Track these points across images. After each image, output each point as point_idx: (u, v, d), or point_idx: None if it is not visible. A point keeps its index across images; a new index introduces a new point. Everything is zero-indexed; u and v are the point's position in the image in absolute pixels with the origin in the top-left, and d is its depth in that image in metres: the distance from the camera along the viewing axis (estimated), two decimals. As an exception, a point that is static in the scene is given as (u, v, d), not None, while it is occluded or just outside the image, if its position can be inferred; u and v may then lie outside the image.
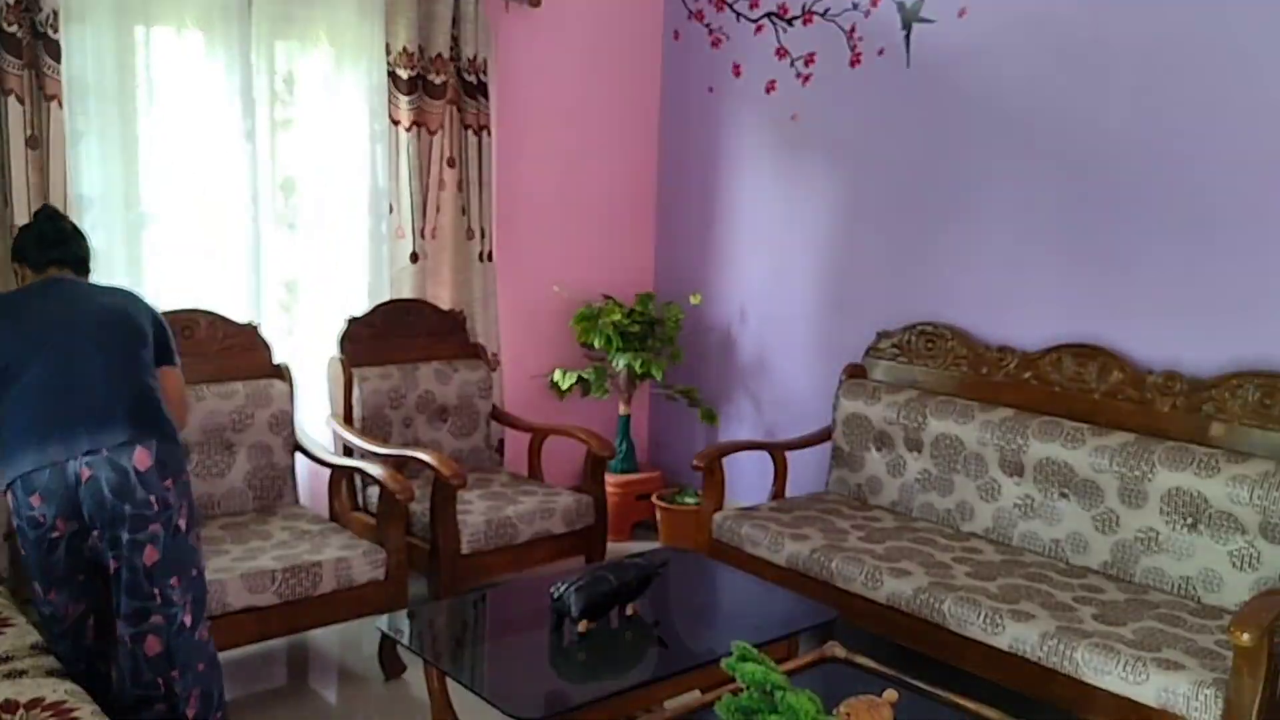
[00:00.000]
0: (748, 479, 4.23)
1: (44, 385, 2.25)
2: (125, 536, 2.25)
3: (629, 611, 2.63)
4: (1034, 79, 3.43)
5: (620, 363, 4.31)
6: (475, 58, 3.91)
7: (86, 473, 2.21)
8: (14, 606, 2.50)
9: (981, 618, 2.77)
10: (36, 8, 2.97)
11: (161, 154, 3.35)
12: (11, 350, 2.28)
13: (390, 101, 3.78)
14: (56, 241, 2.44)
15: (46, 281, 2.40)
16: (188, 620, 2.35)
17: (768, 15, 4.25)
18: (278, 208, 3.62)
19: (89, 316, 2.35)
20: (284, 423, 3.38)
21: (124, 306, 2.43)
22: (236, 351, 3.39)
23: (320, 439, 3.62)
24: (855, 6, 3.91)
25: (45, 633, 2.34)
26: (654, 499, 4.42)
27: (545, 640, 2.56)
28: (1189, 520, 2.90)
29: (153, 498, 2.27)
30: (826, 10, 4.02)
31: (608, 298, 4.47)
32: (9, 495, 2.27)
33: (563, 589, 2.51)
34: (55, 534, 2.26)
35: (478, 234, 4.05)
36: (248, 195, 3.53)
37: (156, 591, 2.29)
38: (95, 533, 2.26)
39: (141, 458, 2.26)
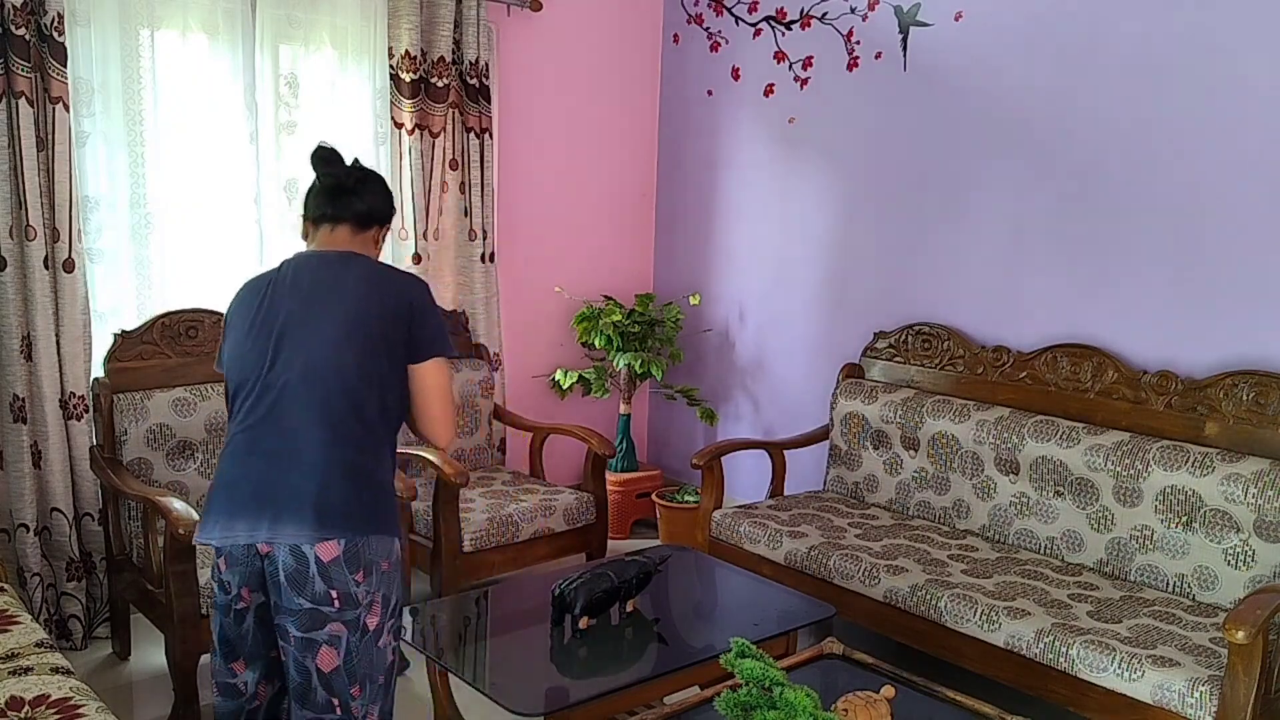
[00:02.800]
0: (746, 477, 4.26)
1: (250, 435, 1.95)
2: (295, 633, 1.91)
3: (629, 608, 2.65)
4: (1029, 82, 3.46)
5: (621, 362, 4.33)
6: (477, 61, 3.94)
7: (265, 548, 1.92)
8: (20, 604, 2.52)
9: (978, 615, 2.79)
10: (42, 11, 2.99)
11: (166, 156, 3.37)
12: (235, 365, 2.01)
13: (393, 104, 3.80)
14: (333, 193, 2.06)
15: (297, 263, 2.04)
16: None
17: (766, 19, 4.27)
18: (281, 209, 3.64)
19: (320, 334, 1.94)
20: (287, 422, 3.40)
21: (370, 308, 1.98)
22: (240, 352, 3.41)
23: (323, 438, 3.63)
24: (853, 10, 3.94)
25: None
26: (654, 497, 4.44)
27: (546, 637, 2.58)
28: (1184, 519, 2.93)
29: (334, 593, 1.90)
30: (824, 14, 4.05)
31: (608, 298, 4.49)
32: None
33: (564, 586, 2.53)
34: (242, 604, 2.00)
35: (479, 235, 4.08)
36: (251, 197, 3.56)
37: (335, 702, 1.94)
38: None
39: (327, 550, 1.89)
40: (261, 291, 2.03)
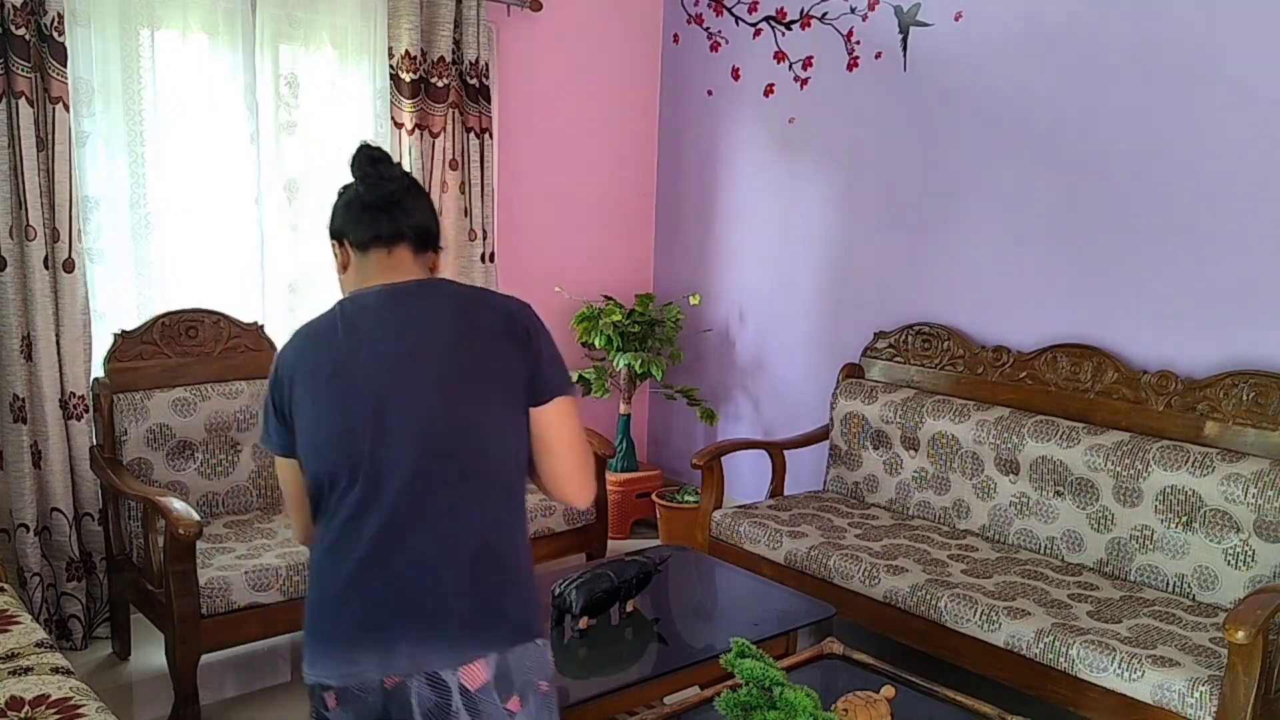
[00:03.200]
0: (746, 477, 4.26)
1: (358, 534, 1.52)
2: None
3: (629, 608, 2.65)
4: (1029, 82, 3.46)
5: (620, 362, 4.33)
6: (477, 61, 3.94)
7: (394, 680, 1.49)
8: (20, 604, 2.52)
9: (978, 615, 2.79)
10: (42, 11, 2.99)
11: (166, 156, 3.37)
12: (321, 448, 1.54)
13: (393, 104, 3.80)
14: (382, 205, 1.62)
15: (365, 305, 1.59)
16: None
17: (766, 19, 4.27)
18: (282, 209, 3.64)
19: (432, 391, 1.53)
20: (287, 422, 3.40)
21: (481, 346, 1.58)
22: (241, 351, 3.42)
23: (323, 438, 3.64)
24: (853, 10, 3.94)
25: None
26: (654, 497, 4.44)
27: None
28: (1183, 519, 2.93)
29: None
30: (824, 14, 4.05)
31: (608, 298, 4.49)
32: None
33: (563, 586, 2.53)
34: None
35: (480, 235, 4.08)
36: (252, 197, 3.56)
37: None
38: None
39: (473, 674, 1.50)
40: (331, 348, 1.56)
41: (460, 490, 1.52)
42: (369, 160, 1.63)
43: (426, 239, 1.66)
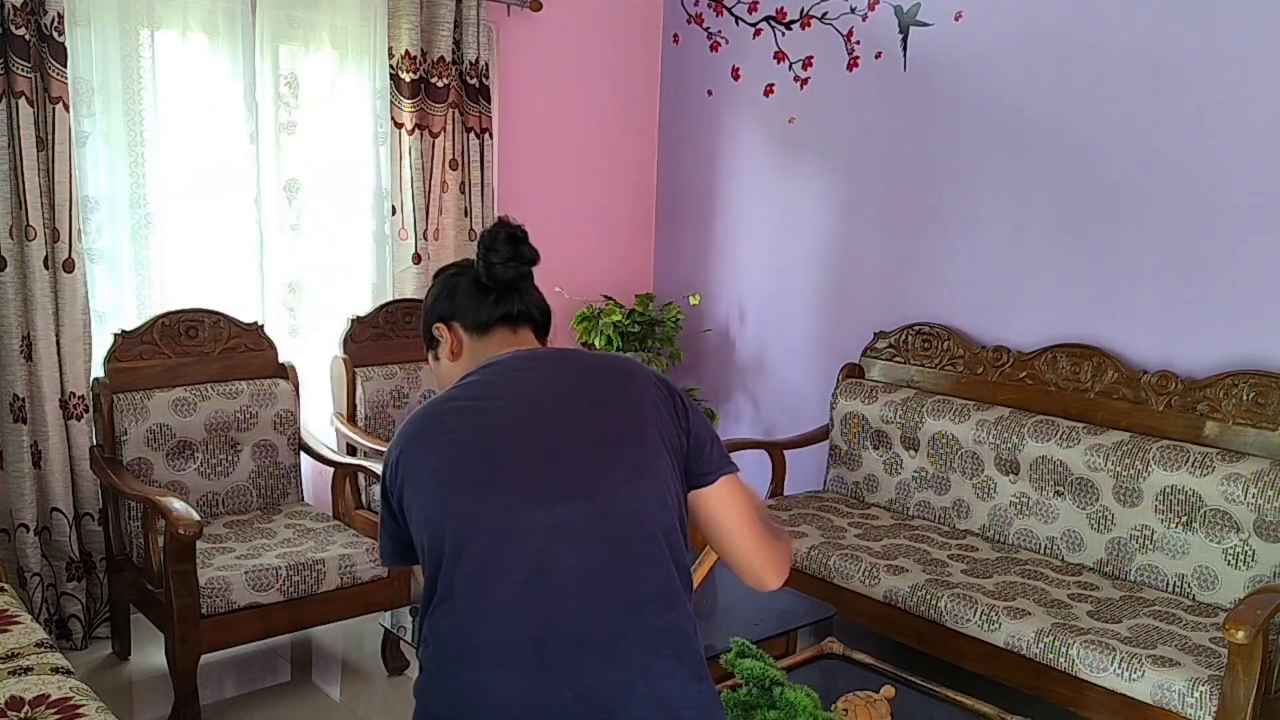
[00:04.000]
0: (746, 477, 4.24)
1: (514, 625, 1.28)
2: None
3: (629, 608, 2.65)
4: (1029, 82, 3.46)
5: (620, 363, 4.33)
6: (477, 61, 3.94)
7: None
8: (20, 604, 2.52)
9: (978, 614, 2.79)
10: (42, 11, 2.99)
11: (166, 156, 3.37)
12: (457, 525, 1.32)
13: (393, 104, 3.80)
14: (513, 286, 1.53)
15: (495, 361, 1.46)
16: None
17: (766, 19, 4.27)
18: (281, 209, 3.64)
19: (594, 456, 1.37)
20: (288, 422, 3.41)
21: (636, 409, 1.41)
22: (241, 351, 3.42)
23: (324, 438, 3.64)
24: (853, 10, 3.94)
25: None
26: (654, 498, 4.43)
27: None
28: (1183, 518, 2.93)
29: None
30: (824, 14, 4.05)
31: (608, 298, 4.49)
32: None
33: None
34: None
35: (479, 235, 4.07)
36: (252, 197, 3.56)
37: None
38: None
39: None
40: (460, 423, 1.38)
41: (650, 568, 1.33)
42: (509, 240, 1.50)
43: (548, 322, 1.58)
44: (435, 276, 1.61)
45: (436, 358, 1.58)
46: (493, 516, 1.31)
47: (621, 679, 1.27)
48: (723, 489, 1.45)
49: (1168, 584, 2.96)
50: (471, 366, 1.47)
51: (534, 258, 1.53)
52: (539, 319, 1.55)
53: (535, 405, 1.39)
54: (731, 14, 4.41)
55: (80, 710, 1.96)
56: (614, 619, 1.29)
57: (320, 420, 3.73)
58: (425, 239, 3.94)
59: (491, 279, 1.50)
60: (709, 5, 4.50)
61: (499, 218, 1.55)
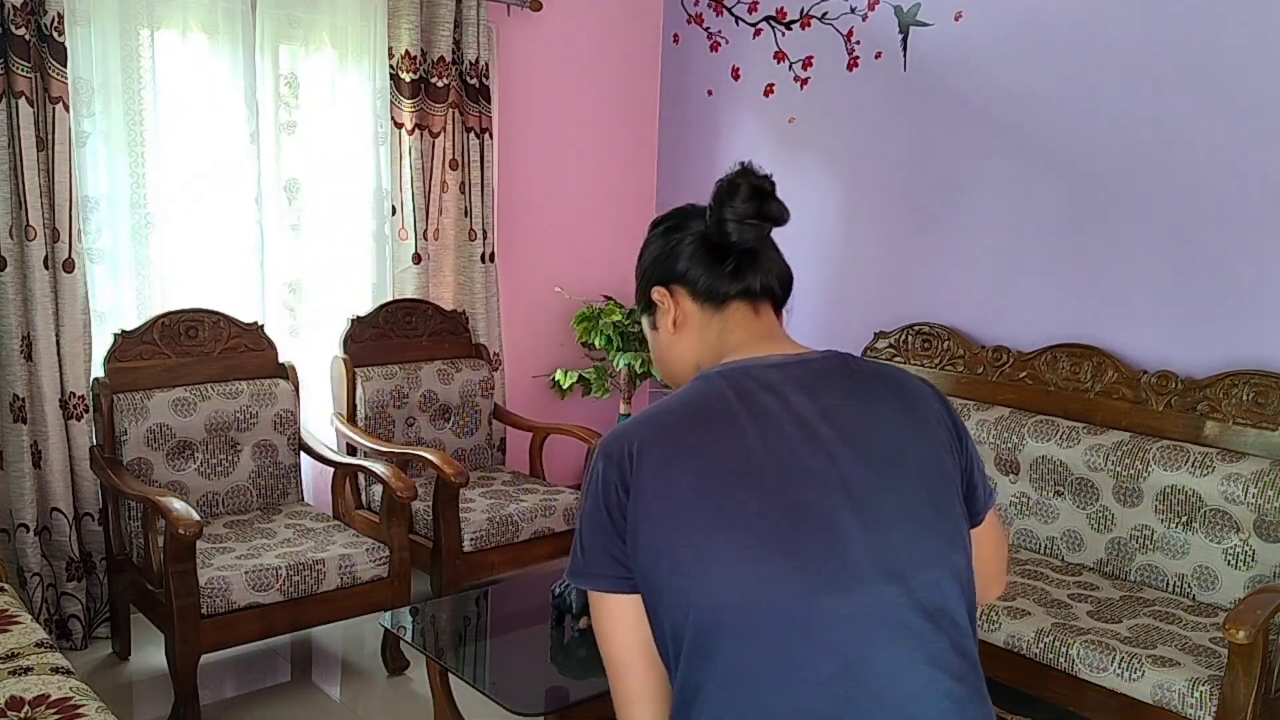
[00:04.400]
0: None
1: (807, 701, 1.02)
2: None
3: (629, 608, 2.65)
4: (1029, 82, 3.46)
5: (621, 362, 4.33)
6: (477, 61, 3.94)
7: None
8: (20, 604, 2.52)
9: (978, 614, 2.79)
10: (42, 11, 2.99)
11: (166, 156, 3.37)
12: (718, 583, 1.03)
13: (393, 104, 3.80)
14: (756, 253, 1.25)
15: (754, 371, 1.15)
16: None
17: (766, 19, 4.27)
18: (281, 209, 3.64)
19: (898, 514, 1.09)
20: (288, 422, 3.41)
21: (927, 449, 1.15)
22: (241, 351, 3.42)
23: (324, 438, 3.64)
24: (853, 10, 3.94)
25: None
26: (654, 498, 4.43)
27: (546, 637, 2.58)
28: (1184, 518, 2.93)
29: None
30: (824, 14, 4.05)
31: (608, 298, 4.49)
32: None
33: (564, 586, 2.53)
34: None
35: (480, 235, 4.08)
36: (252, 197, 3.56)
37: None
38: None
39: None
40: (730, 438, 1.08)
41: (956, 645, 1.10)
42: (754, 194, 1.20)
43: (788, 292, 1.31)
44: (653, 227, 1.29)
45: (654, 326, 1.28)
46: (772, 595, 1.01)
47: None
48: (987, 526, 1.24)
49: (1168, 584, 2.96)
50: (701, 347, 1.23)
51: (781, 217, 1.24)
52: (780, 294, 1.28)
53: (813, 442, 1.08)
54: (731, 14, 4.41)
55: (80, 710, 1.96)
56: None
57: (320, 420, 3.73)
58: (425, 239, 3.94)
59: (725, 240, 1.20)
60: (709, 5, 4.50)
61: (741, 164, 1.23)
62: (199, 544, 2.79)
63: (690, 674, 1.05)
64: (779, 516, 1.04)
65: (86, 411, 3.21)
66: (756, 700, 1.02)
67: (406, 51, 3.77)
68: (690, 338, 1.25)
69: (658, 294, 1.25)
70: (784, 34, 4.22)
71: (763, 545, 1.03)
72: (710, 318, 1.22)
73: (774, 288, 1.27)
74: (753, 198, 1.20)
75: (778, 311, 1.29)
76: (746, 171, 1.22)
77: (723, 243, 1.21)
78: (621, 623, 1.10)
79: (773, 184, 1.24)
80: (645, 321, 1.32)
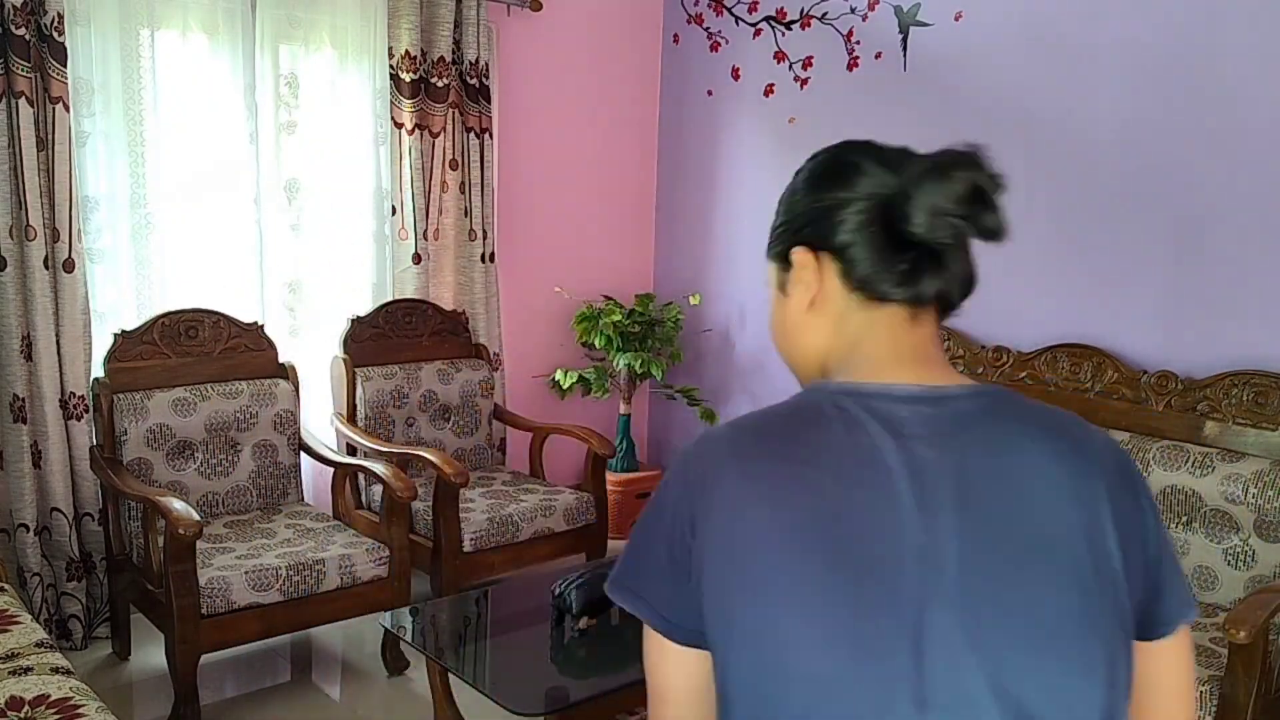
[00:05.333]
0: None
1: None
2: None
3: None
4: (1029, 82, 3.46)
5: (620, 363, 4.33)
6: (477, 61, 3.94)
7: None
8: (20, 604, 2.52)
9: None
10: (42, 11, 2.99)
11: (166, 156, 3.37)
12: (752, 675, 0.85)
13: (393, 104, 3.80)
14: (949, 252, 0.97)
15: (881, 401, 0.90)
16: None
17: (766, 19, 4.27)
18: (281, 209, 3.64)
19: (1007, 655, 0.81)
20: (288, 422, 3.41)
21: (1092, 548, 0.86)
22: (241, 351, 3.42)
23: (324, 438, 3.64)
24: (853, 10, 3.94)
25: None
26: (654, 498, 4.43)
27: (546, 637, 2.58)
28: (1184, 519, 2.93)
29: None
30: (824, 14, 4.05)
31: (608, 298, 4.49)
32: None
33: (563, 586, 2.53)
34: None
35: (480, 235, 4.08)
36: (252, 197, 3.56)
37: None
38: None
39: None
40: (796, 493, 0.85)
41: None
42: (974, 198, 0.95)
43: (965, 299, 1.02)
44: (811, 159, 1.10)
45: (783, 290, 1.00)
46: (862, 706, 0.80)
47: None
48: (1177, 644, 0.95)
49: (1168, 584, 2.96)
50: (835, 342, 0.96)
51: (997, 233, 0.97)
52: (955, 301, 1.00)
53: (928, 512, 0.83)
54: (731, 14, 4.41)
55: (80, 710, 1.96)
56: None
57: (320, 420, 3.73)
58: (425, 239, 3.94)
59: (910, 230, 0.92)
60: (709, 5, 4.50)
61: (970, 146, 1.00)
62: (199, 544, 2.79)
63: None
64: (852, 609, 0.81)
65: (86, 411, 3.21)
66: None
67: (406, 51, 3.77)
68: (824, 326, 0.96)
69: (800, 256, 0.97)
70: (784, 34, 4.22)
71: (857, 640, 0.81)
72: (855, 311, 0.94)
73: (950, 294, 0.98)
74: (968, 200, 0.94)
75: (943, 318, 1.01)
76: (973, 162, 0.96)
77: (904, 230, 0.93)
78: (671, 666, 0.92)
79: (999, 186, 0.96)
80: (773, 275, 1.02)
